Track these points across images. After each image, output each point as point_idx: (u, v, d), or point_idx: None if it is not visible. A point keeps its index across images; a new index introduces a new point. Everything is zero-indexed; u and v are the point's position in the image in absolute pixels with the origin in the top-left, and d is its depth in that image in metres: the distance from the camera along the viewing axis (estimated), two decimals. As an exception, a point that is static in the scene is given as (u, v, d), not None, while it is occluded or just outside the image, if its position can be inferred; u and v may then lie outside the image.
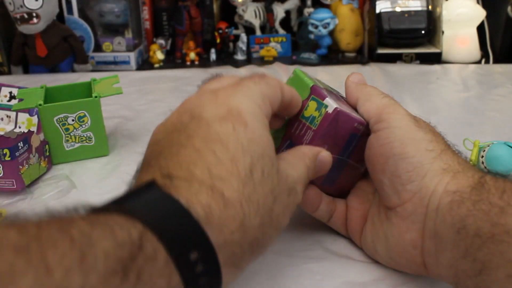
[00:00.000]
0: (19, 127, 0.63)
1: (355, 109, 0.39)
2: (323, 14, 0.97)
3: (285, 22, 1.08)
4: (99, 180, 0.53)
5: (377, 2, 0.97)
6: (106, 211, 0.24)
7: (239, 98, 0.30)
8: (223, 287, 0.26)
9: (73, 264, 0.19)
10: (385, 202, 0.36)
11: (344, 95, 0.41)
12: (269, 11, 1.06)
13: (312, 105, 0.37)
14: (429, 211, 0.32)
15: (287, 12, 1.08)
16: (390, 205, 0.35)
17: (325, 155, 0.35)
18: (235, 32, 1.05)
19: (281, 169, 0.30)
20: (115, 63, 0.98)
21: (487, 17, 0.99)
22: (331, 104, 0.36)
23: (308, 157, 0.34)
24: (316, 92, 0.37)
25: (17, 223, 0.20)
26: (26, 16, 0.85)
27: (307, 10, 1.04)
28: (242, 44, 1.02)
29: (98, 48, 0.98)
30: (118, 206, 0.24)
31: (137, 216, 0.23)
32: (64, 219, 0.22)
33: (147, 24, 1.06)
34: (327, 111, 0.36)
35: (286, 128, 0.39)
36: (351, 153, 0.38)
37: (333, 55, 1.01)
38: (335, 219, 0.40)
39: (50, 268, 0.19)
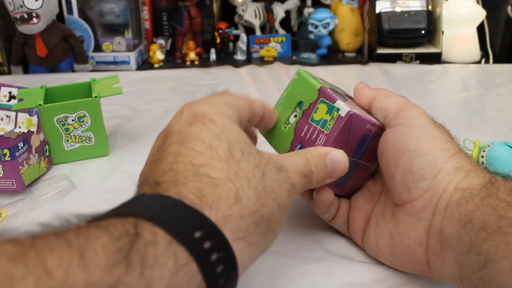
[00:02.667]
0: (19, 127, 0.63)
1: (363, 108, 0.39)
2: (323, 14, 0.97)
3: (285, 22, 1.08)
4: (99, 180, 0.53)
5: (377, 2, 0.97)
6: (99, 219, 0.24)
7: (202, 105, 0.31)
8: (242, 265, 0.26)
9: (73, 263, 0.19)
10: (394, 198, 0.36)
11: (346, 92, 0.41)
12: (269, 11, 1.06)
13: (322, 108, 0.37)
14: (438, 209, 0.32)
15: (287, 12, 1.08)
16: (399, 202, 0.35)
17: (337, 154, 0.35)
18: (235, 32, 1.05)
19: (266, 154, 0.31)
20: (115, 63, 0.98)
21: (487, 17, 0.99)
22: (343, 107, 0.36)
23: (310, 154, 0.34)
24: (325, 95, 0.37)
25: (10, 238, 0.20)
26: (26, 16, 0.85)
27: (307, 10, 1.04)
28: (242, 44, 1.02)
29: (98, 48, 0.98)
30: (111, 212, 0.25)
31: (130, 214, 0.24)
32: (59, 229, 0.22)
33: (147, 24, 1.06)
34: (339, 115, 0.36)
35: (295, 132, 0.38)
36: (363, 154, 0.38)
37: (333, 55, 1.01)
38: (337, 218, 0.40)
39: (50, 270, 0.19)
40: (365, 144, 0.38)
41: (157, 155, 0.30)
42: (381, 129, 0.37)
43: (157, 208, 0.25)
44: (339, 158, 0.35)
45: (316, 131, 0.37)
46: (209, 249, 0.24)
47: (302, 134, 0.38)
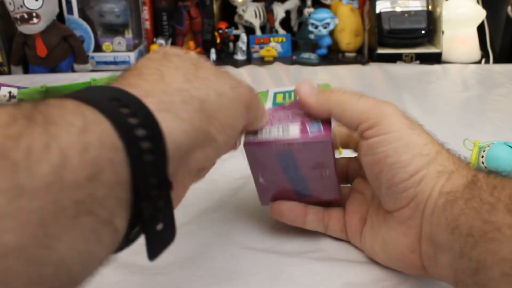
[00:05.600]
0: (19, 127, 0.63)
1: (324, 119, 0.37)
2: (323, 14, 0.97)
3: (285, 22, 1.08)
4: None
5: (377, 2, 0.97)
6: None
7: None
8: (171, 136, 0.24)
9: None
10: (383, 205, 0.35)
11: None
12: (269, 11, 1.06)
13: None
14: (425, 215, 0.32)
15: (287, 12, 1.08)
16: (388, 209, 0.35)
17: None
18: (235, 32, 1.05)
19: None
20: (115, 63, 0.98)
21: (487, 17, 0.99)
22: (244, 140, 0.36)
23: None
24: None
25: None
26: (26, 16, 0.85)
27: (307, 10, 1.04)
28: (242, 44, 1.02)
29: (98, 48, 0.98)
30: None
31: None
32: None
33: (147, 24, 1.06)
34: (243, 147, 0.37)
35: None
36: (296, 168, 0.37)
37: (333, 55, 1.01)
38: (333, 227, 0.40)
39: None
40: (290, 158, 0.36)
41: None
42: (300, 141, 0.35)
43: (75, 93, 0.24)
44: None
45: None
46: (126, 114, 0.22)
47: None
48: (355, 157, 0.41)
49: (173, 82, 0.26)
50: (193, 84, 0.27)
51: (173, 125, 0.24)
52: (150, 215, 0.23)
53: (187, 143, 0.26)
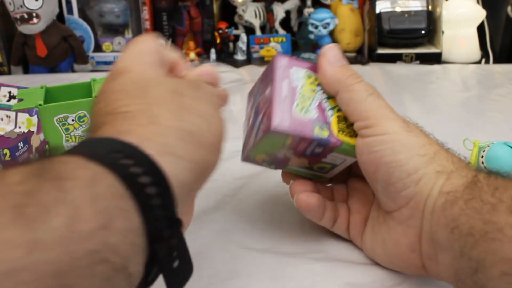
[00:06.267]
0: (19, 127, 0.63)
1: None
2: (323, 14, 0.97)
3: (285, 22, 1.08)
4: (99, 180, 0.53)
5: (377, 2, 0.97)
6: None
7: (123, 59, 0.31)
8: (177, 178, 0.25)
9: None
10: (382, 206, 0.35)
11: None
12: (269, 11, 1.06)
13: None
14: (425, 215, 0.32)
15: (287, 12, 1.08)
16: (387, 210, 0.35)
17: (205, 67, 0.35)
18: (235, 32, 1.05)
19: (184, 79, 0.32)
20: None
21: (487, 17, 0.99)
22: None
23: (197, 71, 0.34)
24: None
25: None
26: (26, 16, 0.85)
27: (307, 10, 1.04)
28: (242, 44, 1.02)
29: (98, 48, 0.98)
30: None
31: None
32: None
33: (147, 24, 1.06)
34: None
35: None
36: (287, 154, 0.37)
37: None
38: (338, 224, 0.39)
39: None
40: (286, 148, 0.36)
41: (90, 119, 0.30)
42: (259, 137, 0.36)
43: (73, 149, 0.24)
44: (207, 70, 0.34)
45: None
46: (130, 164, 0.23)
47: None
48: None
49: (165, 121, 0.26)
50: (183, 118, 0.27)
51: (175, 166, 0.25)
52: (165, 255, 0.24)
53: (191, 178, 0.26)
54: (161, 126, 0.26)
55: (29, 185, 0.20)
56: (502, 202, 0.28)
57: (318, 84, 0.37)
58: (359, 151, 0.35)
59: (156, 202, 0.23)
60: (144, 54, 0.31)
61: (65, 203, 0.20)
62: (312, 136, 0.35)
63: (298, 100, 0.36)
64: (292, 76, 0.37)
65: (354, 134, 0.36)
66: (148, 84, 0.29)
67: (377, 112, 0.34)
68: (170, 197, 0.24)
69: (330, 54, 0.36)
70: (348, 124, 0.36)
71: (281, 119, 0.34)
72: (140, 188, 0.23)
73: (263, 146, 0.36)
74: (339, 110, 0.36)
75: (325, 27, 0.97)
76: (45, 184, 0.20)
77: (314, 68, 0.38)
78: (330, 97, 0.37)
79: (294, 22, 1.09)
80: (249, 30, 1.06)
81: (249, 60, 1.01)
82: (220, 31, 1.03)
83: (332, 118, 0.36)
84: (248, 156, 0.38)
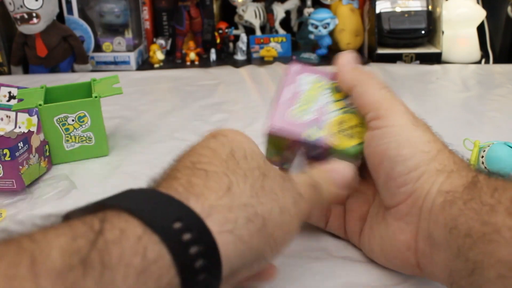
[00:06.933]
0: (19, 127, 0.63)
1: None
2: (323, 14, 0.97)
3: (285, 22, 1.08)
4: (99, 180, 0.53)
5: (377, 2, 0.97)
6: (70, 216, 0.23)
7: (227, 128, 0.30)
8: (228, 261, 0.24)
9: (21, 271, 0.18)
10: (382, 201, 0.36)
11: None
12: (269, 11, 1.06)
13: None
14: (423, 212, 0.32)
15: (287, 12, 1.08)
16: (386, 205, 0.35)
17: (340, 165, 0.33)
18: (235, 32, 1.05)
19: (273, 166, 0.30)
20: (115, 63, 0.98)
21: (487, 17, 0.99)
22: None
23: (313, 170, 0.33)
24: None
25: None
26: (26, 16, 0.85)
27: (307, 10, 1.04)
28: (242, 44, 1.02)
29: (98, 48, 0.98)
30: (85, 207, 0.23)
31: (104, 207, 0.22)
32: (22, 234, 0.20)
33: (147, 24, 1.06)
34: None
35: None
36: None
37: (333, 55, 1.01)
38: (331, 223, 0.40)
39: None
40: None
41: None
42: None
43: (137, 200, 0.23)
44: (342, 168, 0.33)
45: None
46: (188, 241, 0.22)
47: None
48: None
49: (240, 196, 0.25)
50: (259, 198, 0.26)
51: (233, 249, 0.24)
52: None
53: (241, 263, 0.25)
54: (233, 199, 0.25)
55: (71, 278, 0.18)
56: (501, 204, 0.28)
57: (328, 89, 0.38)
58: (367, 144, 0.35)
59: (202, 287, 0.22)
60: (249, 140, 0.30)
61: None
62: (300, 138, 0.36)
63: (300, 103, 0.37)
64: (300, 81, 0.38)
65: (355, 136, 0.36)
66: (238, 151, 0.28)
67: (388, 104, 0.35)
68: (217, 283, 0.23)
69: (345, 57, 0.38)
70: (350, 126, 0.36)
71: (274, 122, 0.36)
72: (192, 276, 0.22)
73: (269, 147, 0.38)
74: (342, 113, 0.37)
75: (325, 27, 0.97)
76: (88, 279, 0.18)
77: (330, 75, 0.39)
78: (337, 100, 0.38)
79: (294, 22, 1.09)
80: (249, 30, 1.07)
81: (249, 60, 1.01)
82: (220, 31, 1.03)
83: (330, 120, 0.37)
84: (268, 159, 0.39)
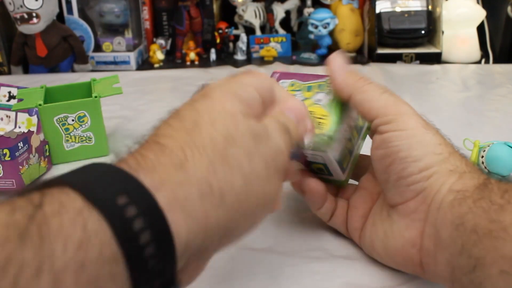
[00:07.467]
0: (19, 127, 0.63)
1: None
2: (323, 14, 0.97)
3: (285, 22, 1.08)
4: (99, 180, 0.53)
5: (377, 2, 0.97)
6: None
7: (215, 82, 0.29)
8: (179, 238, 0.22)
9: None
10: (388, 200, 0.36)
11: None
12: (269, 11, 1.06)
13: None
14: (431, 210, 0.32)
15: (287, 12, 1.08)
16: (393, 203, 0.35)
17: (293, 103, 0.31)
18: (235, 32, 1.05)
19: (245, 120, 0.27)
20: (115, 63, 0.98)
21: (487, 17, 0.99)
22: None
23: (274, 113, 0.30)
24: None
25: None
26: (26, 16, 0.85)
27: (307, 10, 1.04)
28: (242, 44, 1.02)
29: (98, 48, 0.98)
30: (33, 185, 0.23)
31: (51, 182, 0.22)
32: None
33: (147, 24, 1.06)
34: None
35: None
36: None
37: (333, 55, 1.01)
38: (335, 218, 0.40)
39: None
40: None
41: None
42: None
43: (83, 174, 0.22)
44: (295, 104, 0.31)
45: None
46: (133, 216, 0.21)
47: None
48: (364, 154, 0.42)
49: (194, 171, 0.24)
50: (217, 171, 0.24)
51: (184, 225, 0.23)
52: None
53: (199, 243, 0.24)
54: (186, 174, 0.24)
55: (7, 249, 0.18)
56: (510, 204, 0.28)
57: (299, 90, 0.40)
58: (375, 146, 0.35)
59: (153, 264, 0.21)
60: (242, 86, 0.28)
61: (45, 274, 0.18)
62: None
63: None
64: None
65: (321, 126, 0.37)
66: (206, 118, 0.26)
67: (395, 108, 0.35)
68: (170, 260, 0.22)
69: (337, 62, 0.37)
70: (316, 117, 0.37)
71: None
72: (137, 250, 0.21)
73: None
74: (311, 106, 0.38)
75: (325, 27, 0.97)
76: (26, 250, 0.18)
77: (305, 77, 0.40)
78: (306, 98, 0.39)
79: (294, 22, 1.09)
80: (249, 30, 1.07)
81: (249, 60, 1.01)
82: (220, 31, 1.03)
83: None
84: None
